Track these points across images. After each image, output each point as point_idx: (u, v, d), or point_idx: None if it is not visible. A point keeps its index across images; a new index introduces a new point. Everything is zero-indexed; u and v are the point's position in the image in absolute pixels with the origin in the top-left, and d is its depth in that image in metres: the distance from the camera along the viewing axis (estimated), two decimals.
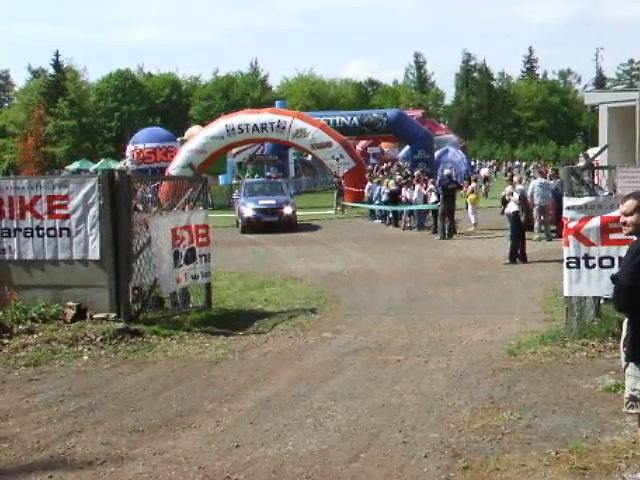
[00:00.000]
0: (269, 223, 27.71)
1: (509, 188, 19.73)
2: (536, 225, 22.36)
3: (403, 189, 29.23)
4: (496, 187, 42.42)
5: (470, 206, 27.11)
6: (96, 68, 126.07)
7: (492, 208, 31.61)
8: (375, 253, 21.36)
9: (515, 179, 21.27)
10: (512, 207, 18.96)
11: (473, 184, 28.96)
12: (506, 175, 48.60)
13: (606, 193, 11.19)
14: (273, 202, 28.61)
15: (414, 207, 27.71)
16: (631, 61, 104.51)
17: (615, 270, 9.27)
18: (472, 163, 68.13)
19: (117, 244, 11.35)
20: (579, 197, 9.95)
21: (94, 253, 11.48)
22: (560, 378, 8.45)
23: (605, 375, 8.43)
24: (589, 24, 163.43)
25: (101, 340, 10.42)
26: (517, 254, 18.23)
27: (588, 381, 8.28)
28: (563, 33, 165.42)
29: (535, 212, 22.22)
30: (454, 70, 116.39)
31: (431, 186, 27.02)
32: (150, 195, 13.36)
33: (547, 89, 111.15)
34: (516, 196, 18.86)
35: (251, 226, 27.86)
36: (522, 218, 18.54)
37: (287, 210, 28.36)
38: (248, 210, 28.11)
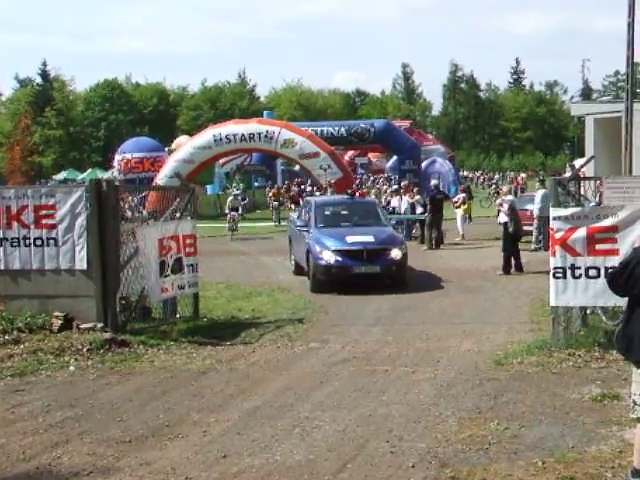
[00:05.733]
0: (364, 276, 16.57)
1: (499, 199, 19.77)
2: (535, 235, 22.31)
3: (392, 199, 29.28)
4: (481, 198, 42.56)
5: (459, 216, 27.18)
6: (84, 78, 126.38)
7: (479, 218, 31.75)
8: None
9: (504, 189, 21.28)
10: (502, 218, 19.01)
11: (463, 195, 28.99)
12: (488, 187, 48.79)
13: (592, 204, 11.24)
14: (370, 239, 16.93)
15: (402, 217, 27.75)
16: (617, 72, 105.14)
17: (601, 280, 9.33)
18: (464, 174, 68.49)
19: (104, 254, 11.33)
20: (565, 208, 10.01)
21: (81, 263, 11.45)
22: (547, 388, 8.48)
23: (591, 385, 8.47)
24: (575, 36, 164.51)
25: (88, 350, 10.39)
26: (511, 265, 18.26)
27: (574, 391, 8.31)
28: (550, 45, 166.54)
29: (535, 223, 22.16)
30: (441, 81, 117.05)
31: (417, 197, 27.07)
32: (137, 205, 13.34)
33: (534, 100, 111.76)
34: (505, 207, 18.90)
35: (331, 278, 16.62)
36: (510, 229, 18.59)
37: (395, 253, 16.80)
38: (327, 253, 16.58)
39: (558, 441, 6.78)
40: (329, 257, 16.48)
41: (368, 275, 16.50)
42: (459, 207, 27.42)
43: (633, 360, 5.75)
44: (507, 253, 18.39)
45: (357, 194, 21.42)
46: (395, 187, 31.31)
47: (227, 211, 31.54)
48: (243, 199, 37.48)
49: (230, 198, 32.76)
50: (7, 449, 6.97)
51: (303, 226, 18.32)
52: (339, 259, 16.45)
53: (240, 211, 33.07)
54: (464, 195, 28.98)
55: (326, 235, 17.14)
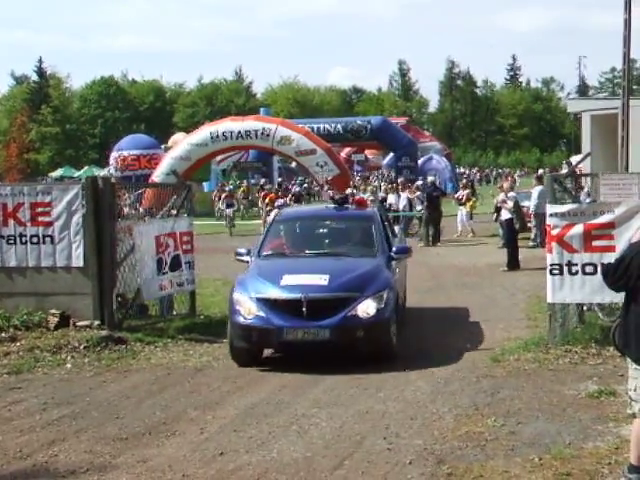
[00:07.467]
0: (305, 346, 9.87)
1: (502, 195, 19.71)
2: (534, 232, 22.18)
3: (388, 196, 29.27)
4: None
5: (460, 213, 27.09)
6: (80, 75, 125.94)
7: (477, 215, 31.74)
8: None
9: (506, 186, 21.21)
10: (505, 215, 18.97)
11: (467, 191, 28.84)
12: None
13: (587, 200, 11.26)
14: (321, 281, 9.98)
15: (400, 214, 27.73)
16: (613, 69, 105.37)
17: (598, 277, 9.33)
18: (460, 170, 68.47)
19: (101, 251, 11.32)
20: (562, 204, 10.01)
21: (78, 260, 11.44)
22: (543, 385, 8.49)
23: (588, 381, 8.48)
24: (572, 32, 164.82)
25: (85, 348, 10.38)
26: (517, 261, 18.24)
27: (571, 387, 8.33)
28: (546, 41, 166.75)
29: (533, 220, 22.02)
30: (438, 77, 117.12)
31: (418, 193, 27.02)
32: (134, 202, 13.32)
33: (530, 97, 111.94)
34: (510, 204, 18.86)
35: (253, 346, 10.09)
36: (517, 226, 18.59)
37: (365, 308, 9.75)
38: (246, 304, 9.92)
39: (555, 438, 6.80)
40: (247, 311, 9.82)
41: (312, 344, 9.75)
42: (464, 204, 27.30)
43: (631, 357, 5.75)
44: (512, 250, 18.36)
45: (353, 200, 13.19)
46: (383, 184, 31.00)
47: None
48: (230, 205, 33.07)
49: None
50: (4, 447, 6.97)
51: (245, 254, 11.36)
52: (261, 315, 9.73)
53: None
54: (468, 192, 28.83)
55: (260, 272, 10.50)
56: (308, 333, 9.61)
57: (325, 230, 12.11)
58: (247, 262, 11.19)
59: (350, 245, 11.54)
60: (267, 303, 9.82)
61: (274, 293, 9.89)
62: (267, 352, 10.33)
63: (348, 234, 11.98)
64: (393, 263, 11.04)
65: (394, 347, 10.08)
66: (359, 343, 9.82)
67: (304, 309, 9.61)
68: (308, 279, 9.99)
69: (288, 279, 10.01)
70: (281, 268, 10.50)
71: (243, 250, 11.49)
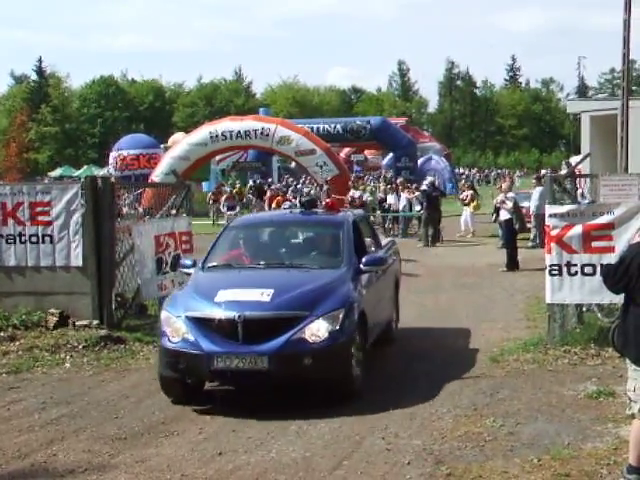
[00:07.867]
0: (241, 377, 8.11)
1: (501, 196, 19.70)
2: (533, 232, 22.16)
3: (388, 196, 29.28)
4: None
5: (465, 213, 27.06)
6: (79, 74, 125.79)
7: (476, 216, 31.74)
8: None
9: (505, 187, 21.19)
10: (504, 215, 18.96)
11: (470, 192, 28.77)
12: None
13: (587, 201, 11.25)
14: (263, 296, 8.21)
15: (399, 214, 27.74)
16: (613, 70, 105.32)
17: (597, 277, 9.34)
18: (459, 171, 68.58)
19: (100, 251, 11.31)
20: (561, 205, 10.01)
21: (77, 260, 11.43)
22: (542, 385, 8.49)
23: (587, 382, 8.48)
24: (571, 33, 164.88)
25: (83, 347, 10.37)
26: (516, 261, 18.24)
27: (570, 388, 8.33)
28: (546, 42, 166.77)
29: (532, 220, 22.01)
30: (437, 78, 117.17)
31: (417, 193, 27.01)
32: (133, 202, 13.32)
33: (530, 97, 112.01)
34: (509, 204, 18.86)
35: (181, 376, 8.30)
36: (516, 226, 18.59)
37: (315, 330, 7.98)
38: (175, 324, 8.22)
39: (554, 438, 6.80)
40: (175, 332, 8.20)
41: (250, 374, 8.01)
42: (468, 204, 27.27)
43: (630, 358, 5.75)
44: (511, 250, 18.36)
45: (324, 204, 11.93)
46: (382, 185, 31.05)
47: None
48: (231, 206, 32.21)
49: None
50: (2, 446, 6.97)
51: (190, 266, 9.56)
52: (189, 338, 8.08)
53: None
54: (471, 192, 28.78)
55: (197, 286, 8.90)
56: (244, 361, 7.86)
57: (285, 238, 10.30)
58: (193, 276, 9.35)
59: (312, 255, 9.77)
60: (197, 323, 8.13)
61: (205, 311, 8.22)
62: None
63: (311, 242, 10.30)
64: (363, 277, 9.20)
65: (354, 380, 8.23)
66: (307, 374, 8.00)
67: (239, 331, 7.92)
68: (247, 295, 8.26)
69: (224, 295, 8.29)
70: (220, 282, 8.79)
71: (188, 262, 9.78)
